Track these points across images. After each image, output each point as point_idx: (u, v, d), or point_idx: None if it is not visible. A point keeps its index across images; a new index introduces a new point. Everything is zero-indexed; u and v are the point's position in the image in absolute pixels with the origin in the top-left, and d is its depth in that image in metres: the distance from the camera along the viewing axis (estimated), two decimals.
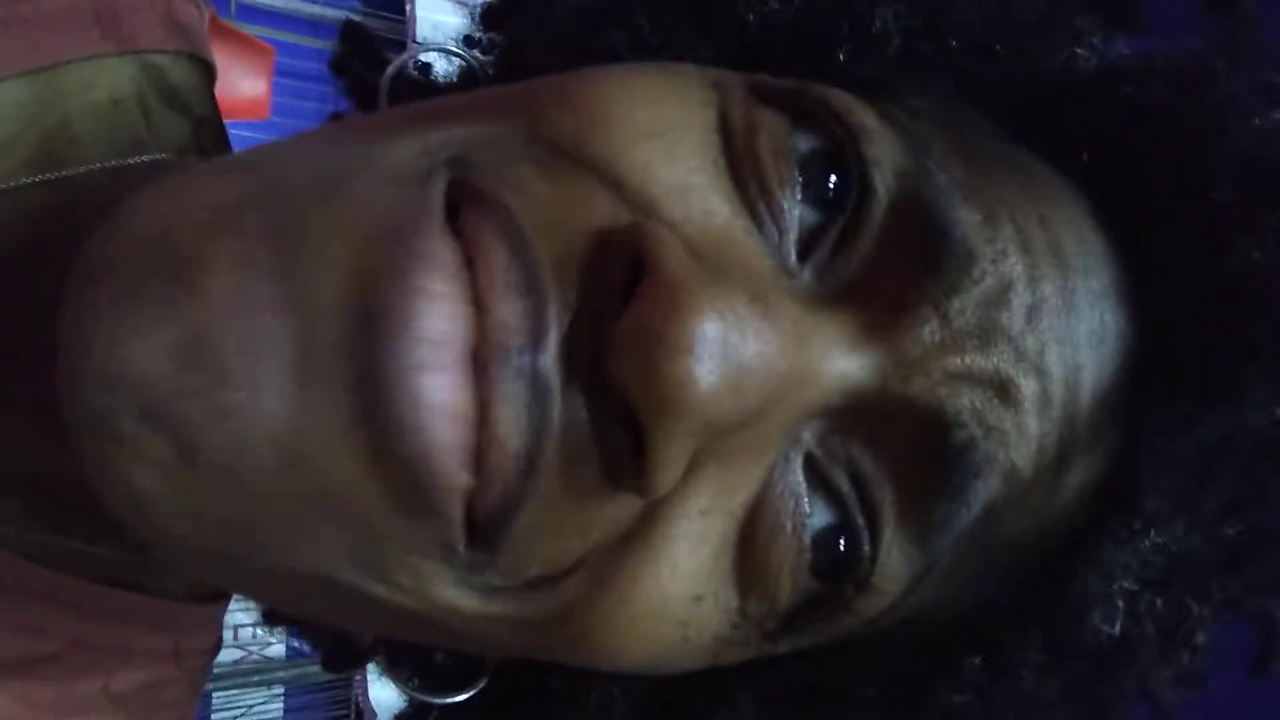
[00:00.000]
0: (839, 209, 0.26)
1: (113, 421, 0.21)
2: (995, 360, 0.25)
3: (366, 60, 0.37)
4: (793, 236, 0.25)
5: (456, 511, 0.23)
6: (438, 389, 0.21)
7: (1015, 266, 0.26)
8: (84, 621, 0.32)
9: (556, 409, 0.22)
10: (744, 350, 0.23)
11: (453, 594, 0.24)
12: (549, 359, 0.22)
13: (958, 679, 0.28)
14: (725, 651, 0.27)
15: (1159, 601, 0.28)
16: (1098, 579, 0.27)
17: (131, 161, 0.33)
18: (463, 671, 0.34)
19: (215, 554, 0.24)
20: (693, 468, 0.24)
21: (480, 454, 0.22)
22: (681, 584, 0.25)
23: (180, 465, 0.21)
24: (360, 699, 1.68)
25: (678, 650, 0.26)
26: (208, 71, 0.37)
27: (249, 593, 0.29)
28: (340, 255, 0.21)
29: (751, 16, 0.30)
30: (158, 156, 0.34)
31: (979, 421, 0.25)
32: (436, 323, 0.21)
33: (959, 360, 0.25)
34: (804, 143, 0.26)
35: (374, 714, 1.68)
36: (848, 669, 0.30)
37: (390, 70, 0.34)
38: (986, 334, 0.25)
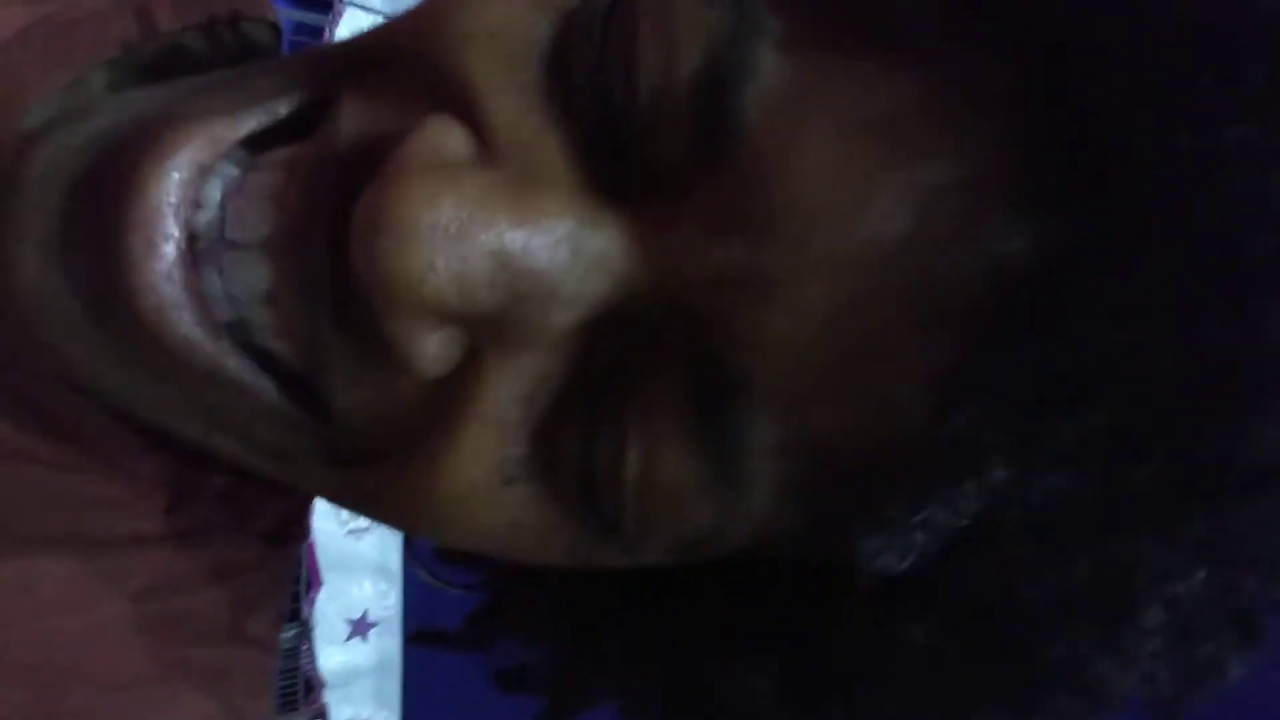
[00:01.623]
0: (635, 100, 0.25)
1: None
2: (759, 257, 0.23)
3: None
4: (596, 130, 0.25)
5: (254, 381, 0.25)
6: (167, 264, 0.24)
7: (806, 154, 0.23)
8: (207, 505, 0.35)
9: (327, 290, 0.24)
10: (469, 241, 0.23)
11: (307, 462, 0.27)
12: (318, 241, 0.24)
13: (839, 619, 0.27)
14: (578, 545, 0.27)
15: (1028, 553, 0.24)
16: (887, 538, 0.24)
17: None
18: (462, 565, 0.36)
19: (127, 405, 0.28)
20: (474, 357, 0.25)
21: (268, 329, 0.25)
22: (484, 466, 0.25)
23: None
24: (309, 669, 1.61)
25: (509, 533, 0.27)
26: (276, 31, 0.40)
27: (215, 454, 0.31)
28: (119, 159, 0.25)
29: None
30: None
31: (730, 328, 0.24)
32: (175, 195, 0.24)
33: (719, 256, 0.24)
34: (616, 33, 0.25)
35: (323, 683, 1.63)
36: (740, 593, 0.30)
37: None
38: (758, 226, 0.23)
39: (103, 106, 0.29)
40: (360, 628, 1.81)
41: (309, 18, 2.14)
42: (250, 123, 0.26)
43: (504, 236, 0.24)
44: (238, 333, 0.26)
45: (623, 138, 0.25)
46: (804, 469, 0.25)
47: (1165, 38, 0.23)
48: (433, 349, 0.24)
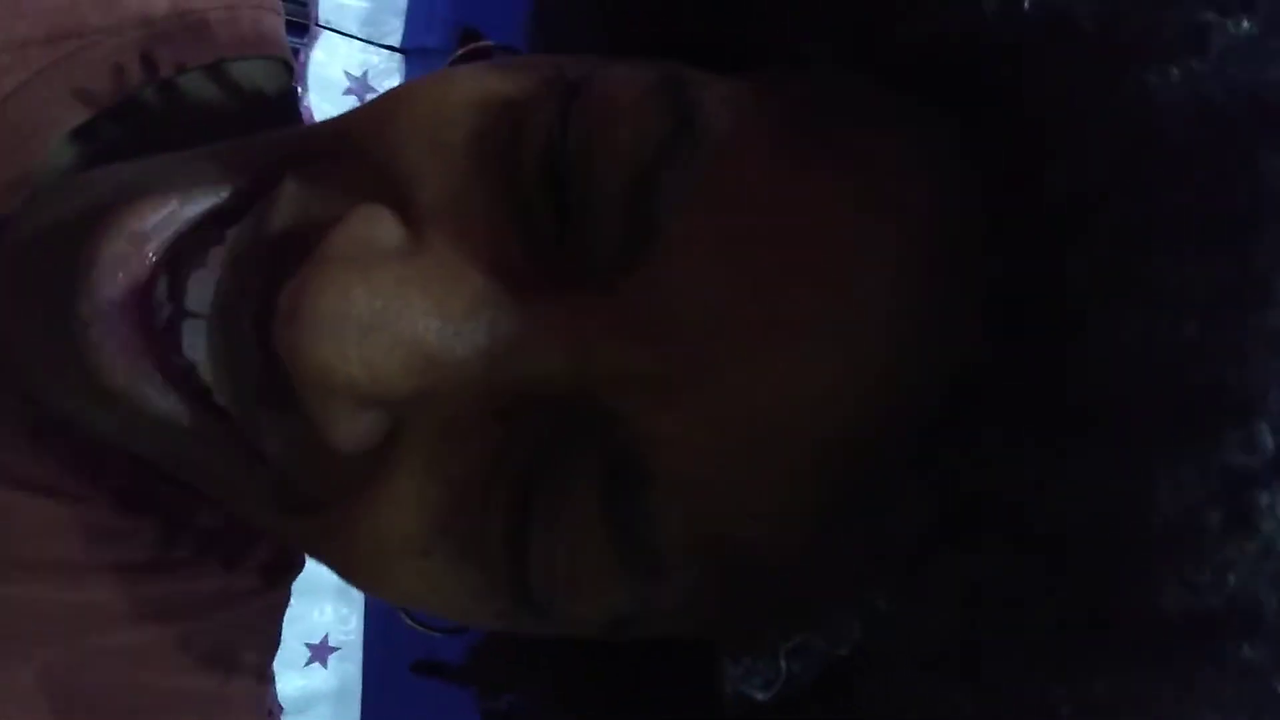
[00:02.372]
0: (572, 196, 0.25)
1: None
2: (664, 361, 0.24)
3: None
4: (544, 221, 0.26)
5: (207, 430, 0.28)
6: (111, 326, 0.27)
7: (723, 265, 0.24)
8: (207, 535, 0.38)
9: (255, 364, 0.26)
10: (382, 330, 0.24)
11: (266, 510, 0.29)
12: (247, 319, 0.26)
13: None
14: (510, 617, 0.28)
15: (919, 688, 0.23)
16: (766, 646, 0.25)
17: None
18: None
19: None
20: (398, 433, 0.26)
21: (189, 384, 0.28)
22: (399, 536, 0.27)
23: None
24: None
25: (434, 599, 0.28)
26: (289, 70, 0.44)
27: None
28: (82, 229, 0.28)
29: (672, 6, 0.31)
30: None
31: (636, 423, 0.24)
32: (128, 269, 0.27)
33: (629, 357, 0.24)
34: (570, 131, 0.25)
35: (281, 709, 1.59)
36: (658, 671, 0.32)
37: (457, 53, 0.37)
38: (657, 333, 0.24)
39: (91, 178, 0.32)
40: (320, 653, 1.79)
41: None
42: (203, 202, 0.28)
43: (417, 325, 0.24)
44: (194, 385, 0.28)
45: (560, 235, 0.26)
46: (712, 568, 0.26)
47: (1082, 167, 0.22)
48: (349, 429, 0.26)
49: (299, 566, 0.43)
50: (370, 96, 2.17)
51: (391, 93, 0.29)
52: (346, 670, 1.81)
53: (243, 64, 0.41)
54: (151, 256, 0.27)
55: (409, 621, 0.38)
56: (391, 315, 0.24)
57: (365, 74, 1.97)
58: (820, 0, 0.27)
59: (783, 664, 0.24)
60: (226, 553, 0.39)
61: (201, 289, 0.27)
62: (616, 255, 0.25)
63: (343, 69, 1.95)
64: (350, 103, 2.06)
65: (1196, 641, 0.22)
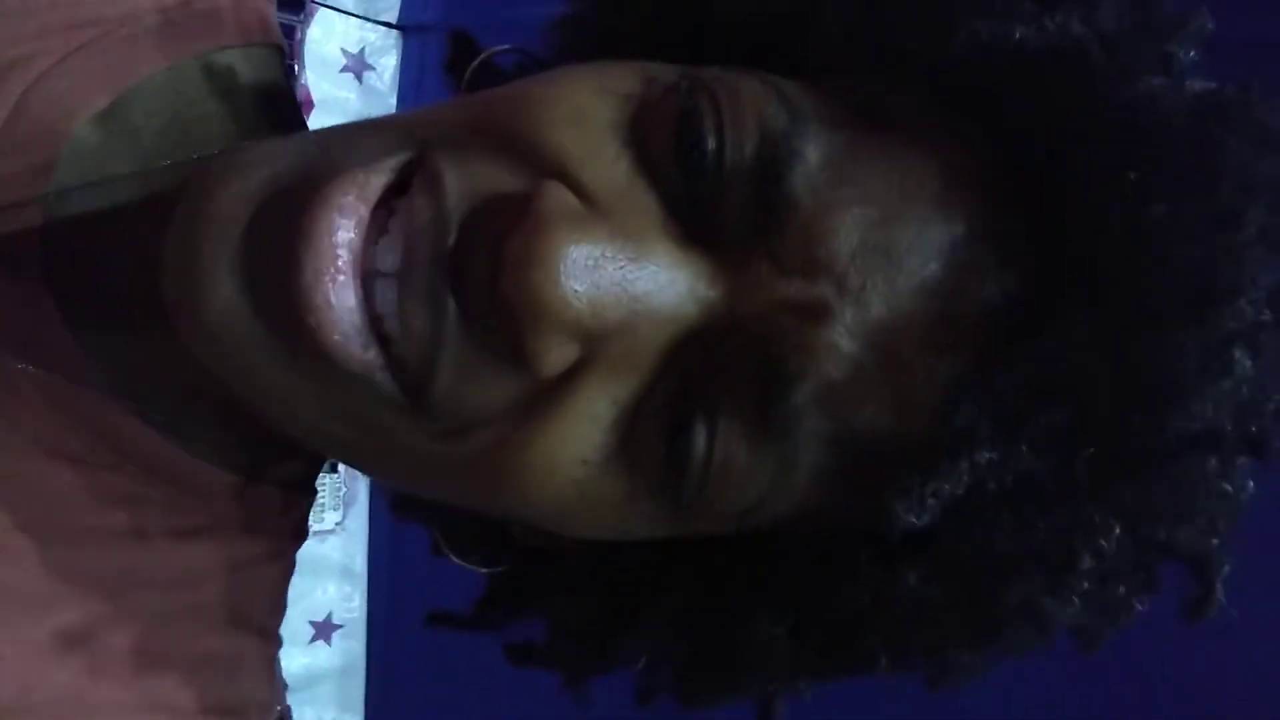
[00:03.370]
0: (710, 171, 0.31)
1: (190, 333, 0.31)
2: (815, 291, 0.31)
3: (471, 59, 0.44)
4: (678, 190, 0.32)
5: (380, 376, 0.31)
6: (329, 296, 0.29)
7: (843, 216, 0.31)
8: (225, 500, 0.40)
9: (452, 306, 0.30)
10: (605, 274, 0.29)
11: (410, 438, 0.32)
12: (441, 271, 0.30)
13: (854, 574, 0.34)
14: (631, 519, 0.34)
15: (1003, 516, 0.32)
16: (909, 501, 0.31)
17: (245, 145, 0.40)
18: (491, 554, 0.44)
19: (257, 409, 0.33)
20: (582, 363, 0.31)
21: (384, 334, 0.30)
22: (568, 451, 0.32)
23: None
24: None
25: (577, 505, 0.33)
26: (282, 54, 0.46)
27: (317, 446, 0.38)
28: (290, 201, 0.30)
29: (715, 18, 0.37)
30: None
31: (792, 340, 0.31)
32: (332, 238, 0.29)
33: (783, 290, 0.31)
34: (691, 115, 0.32)
35: (285, 685, 1.61)
36: (766, 559, 0.37)
37: (473, 65, 0.43)
38: (810, 269, 0.31)
39: (259, 148, 0.34)
40: (324, 630, 1.80)
41: (281, 18, 2.11)
42: (385, 175, 0.31)
43: (624, 270, 0.30)
44: (382, 342, 0.31)
45: (697, 201, 0.32)
46: (837, 450, 0.32)
47: (1107, 140, 0.31)
48: (557, 357, 0.30)
49: (306, 534, 0.45)
50: (367, 74, 2.15)
51: (525, 90, 0.33)
52: (350, 648, 1.82)
53: (248, 50, 0.43)
54: (357, 226, 0.30)
55: (453, 558, 0.43)
56: (608, 261, 0.30)
57: (362, 50, 1.96)
58: (868, 25, 0.34)
59: (929, 503, 0.31)
60: (247, 519, 0.41)
61: (387, 253, 0.31)
62: (752, 219, 0.31)
63: (339, 46, 1.95)
64: (347, 80, 2.04)
65: (1185, 458, 0.32)
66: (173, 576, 0.39)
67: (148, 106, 0.40)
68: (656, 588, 0.39)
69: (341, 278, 0.29)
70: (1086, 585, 0.33)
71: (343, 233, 0.29)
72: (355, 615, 1.86)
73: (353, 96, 2.04)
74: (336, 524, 1.82)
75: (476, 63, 0.43)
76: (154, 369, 0.39)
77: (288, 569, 0.44)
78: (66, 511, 0.37)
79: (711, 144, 0.31)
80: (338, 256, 0.29)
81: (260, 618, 0.42)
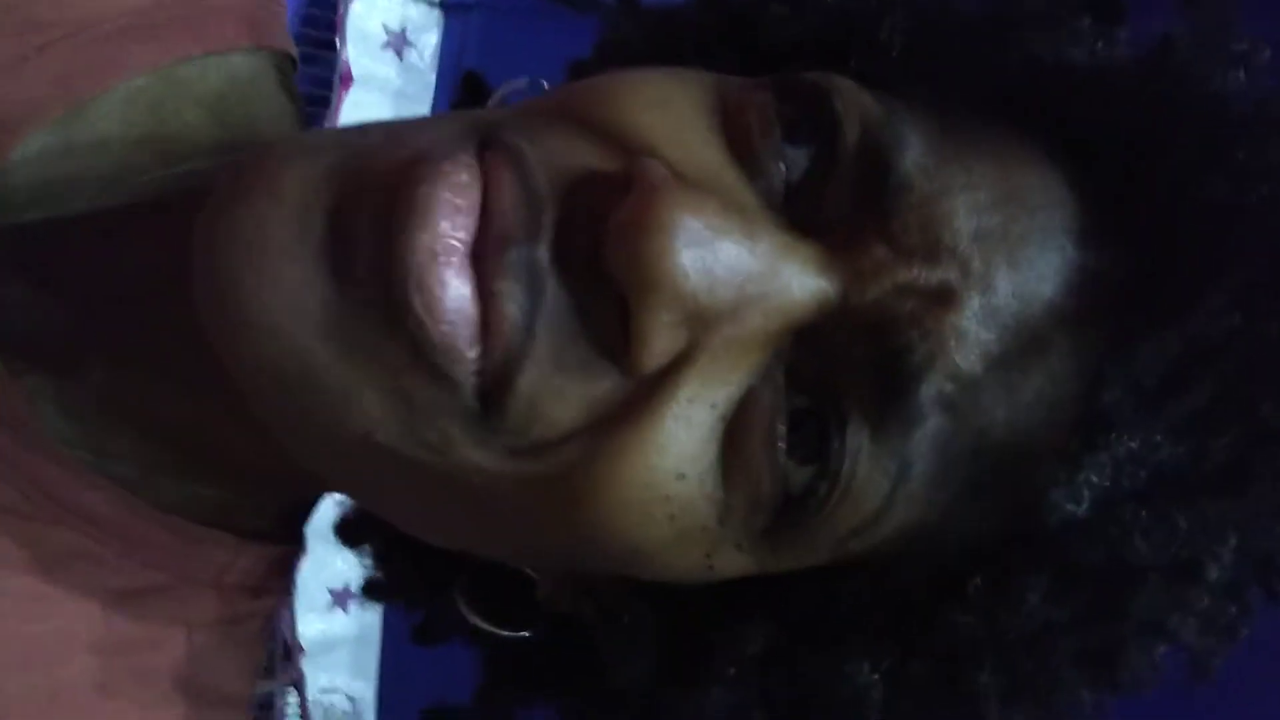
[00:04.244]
0: (815, 156, 0.30)
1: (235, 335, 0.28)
2: (939, 274, 0.29)
3: (481, 102, 0.41)
4: (776, 181, 0.30)
5: (467, 377, 0.27)
6: (444, 277, 0.26)
7: (958, 198, 0.30)
8: (187, 557, 0.36)
9: (550, 289, 0.27)
10: (720, 248, 0.27)
11: (472, 452, 0.28)
12: (542, 251, 0.27)
13: (962, 601, 0.31)
14: (719, 551, 0.31)
15: (1143, 514, 0.30)
16: (1068, 490, 0.30)
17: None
18: (522, 616, 0.38)
19: (293, 413, 0.30)
20: (682, 359, 0.28)
21: (485, 326, 0.27)
22: (666, 460, 0.28)
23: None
24: (288, 636, 1.63)
25: (665, 531, 0.29)
26: (291, 63, 0.44)
27: (318, 463, 0.33)
28: (382, 181, 0.27)
29: (773, 33, 0.36)
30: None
31: (918, 326, 0.29)
32: (448, 220, 0.26)
33: (904, 274, 0.29)
34: (786, 109, 0.30)
35: (302, 649, 1.64)
36: (856, 594, 0.33)
37: (493, 100, 0.40)
38: (931, 252, 0.29)
39: (314, 137, 0.32)
40: (341, 598, 1.82)
41: None
42: (468, 159, 0.28)
43: (740, 246, 0.28)
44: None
45: (802, 189, 0.30)
46: (961, 457, 0.30)
47: (1203, 133, 0.31)
48: (666, 341, 0.28)
49: (288, 588, 0.42)
50: (408, 51, 2.16)
51: (603, 80, 0.32)
52: (366, 617, 1.85)
53: (235, 57, 0.41)
54: (472, 211, 0.27)
55: (477, 620, 0.38)
56: (724, 235, 0.27)
57: (404, 29, 1.97)
58: (923, 47, 0.34)
59: (1084, 492, 0.30)
60: (210, 577, 0.37)
61: (467, 239, 0.27)
62: (860, 205, 0.30)
63: (381, 22, 1.96)
64: (389, 57, 2.05)
65: (1230, 489, 0.31)
66: (120, 641, 0.35)
67: (119, 115, 0.37)
68: (732, 632, 0.34)
69: (456, 262, 0.27)
70: (1207, 600, 0.31)
71: (462, 216, 0.27)
72: None
73: (393, 73, 2.05)
74: None
75: (496, 98, 0.40)
76: (115, 412, 0.35)
77: (264, 626, 0.41)
78: (1, 569, 0.34)
79: (830, 131, 0.30)
80: (454, 240, 0.27)
81: (226, 684, 0.39)
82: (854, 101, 0.30)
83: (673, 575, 0.32)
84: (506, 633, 0.38)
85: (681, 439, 0.28)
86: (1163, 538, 0.30)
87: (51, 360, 0.35)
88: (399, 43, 2.07)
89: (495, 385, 0.28)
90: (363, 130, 0.32)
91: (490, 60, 1.94)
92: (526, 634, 0.38)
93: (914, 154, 0.30)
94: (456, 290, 0.27)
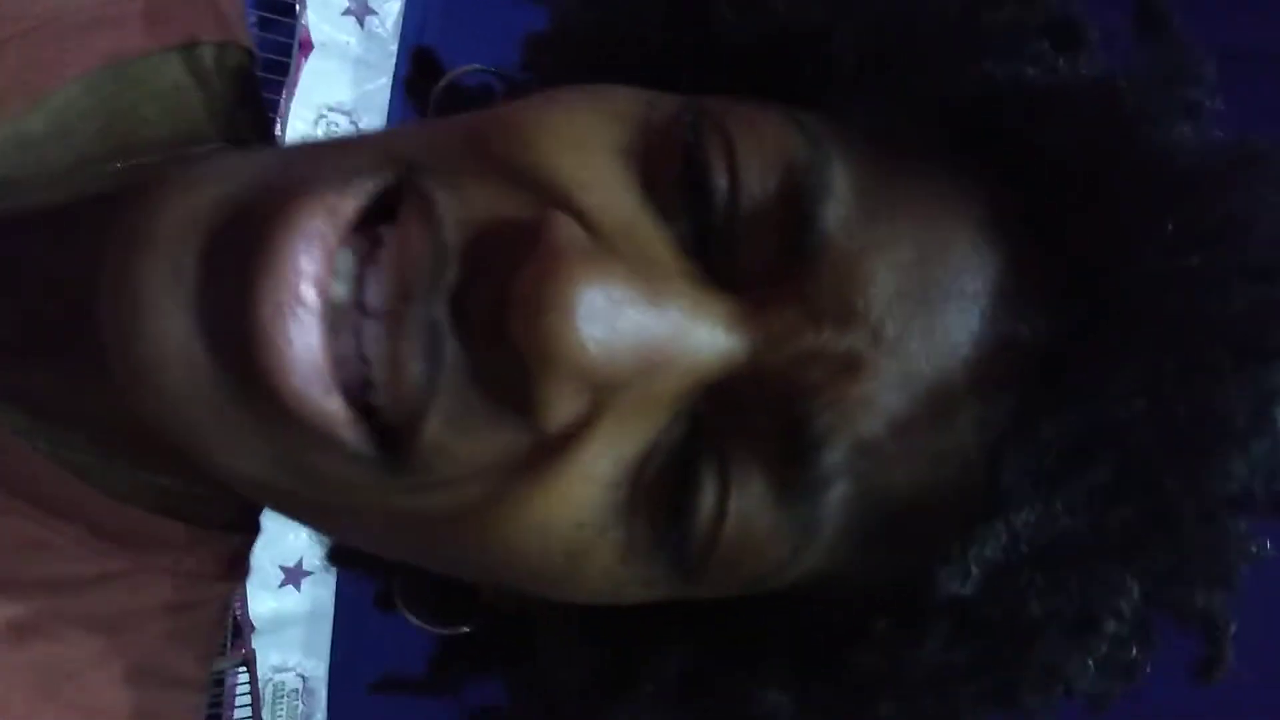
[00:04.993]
0: (722, 208, 0.29)
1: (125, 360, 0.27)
2: (849, 341, 0.28)
3: (433, 80, 0.40)
4: (690, 225, 0.29)
5: (346, 430, 0.27)
6: (295, 328, 0.26)
7: (878, 258, 0.29)
8: (143, 545, 0.37)
9: (450, 347, 0.27)
10: (622, 317, 0.27)
11: (374, 493, 0.29)
12: (442, 307, 0.27)
13: (868, 639, 0.31)
14: (625, 585, 0.31)
15: (1037, 578, 0.30)
16: (957, 568, 0.29)
17: (196, 149, 0.38)
18: (455, 611, 0.39)
19: (195, 458, 0.29)
20: (587, 419, 0.28)
21: (378, 382, 0.27)
22: (566, 512, 0.28)
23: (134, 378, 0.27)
24: (239, 613, 1.61)
25: (567, 571, 0.30)
26: (250, 57, 0.43)
27: (253, 496, 0.34)
28: (256, 217, 0.26)
29: (721, 44, 0.34)
30: (214, 145, 0.39)
31: (822, 395, 0.28)
32: (306, 266, 0.26)
33: (814, 340, 0.28)
34: (697, 150, 0.29)
35: (253, 627, 1.62)
36: (773, 624, 0.34)
37: (440, 84, 0.39)
38: (843, 317, 0.28)
39: (214, 163, 0.31)
40: (294, 576, 1.80)
41: None
42: (360, 197, 0.28)
43: (643, 314, 0.27)
44: (349, 390, 0.27)
45: (716, 236, 0.29)
46: (866, 514, 0.30)
47: (1141, 185, 0.30)
48: (566, 408, 0.27)
49: (245, 574, 0.42)
50: (370, 18, 2.12)
51: (521, 113, 0.31)
52: (319, 594, 1.83)
53: (196, 50, 0.40)
54: (324, 255, 0.27)
55: (411, 618, 0.39)
56: (626, 304, 0.27)
57: None
58: (880, 58, 0.32)
59: (973, 569, 0.29)
60: (169, 562, 0.38)
61: (376, 288, 0.27)
62: (777, 258, 0.29)
63: None
64: (350, 24, 2.01)
65: (1218, 520, 0.30)
66: (75, 626, 0.35)
67: (75, 109, 0.37)
68: (654, 651, 0.35)
69: (303, 313, 0.26)
70: (1105, 648, 0.31)
71: (308, 262, 0.26)
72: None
73: (353, 40, 2.01)
74: None
75: (443, 83, 0.39)
76: (69, 402, 0.35)
77: (220, 612, 0.41)
78: None
79: (723, 183, 0.29)
80: (300, 289, 0.26)
81: (182, 668, 0.39)
82: (776, 143, 0.29)
83: (582, 600, 0.33)
84: (445, 630, 0.40)
85: (582, 493, 0.29)
86: (1057, 600, 0.30)
87: (4, 353, 0.35)
88: (361, 9, 2.03)
89: (399, 432, 0.28)
90: (265, 155, 0.31)
91: (454, 27, 1.91)
92: (465, 629, 0.40)
93: (836, 206, 0.29)
94: (304, 343, 0.26)
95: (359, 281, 0.27)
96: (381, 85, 2.02)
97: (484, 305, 0.27)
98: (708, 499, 0.29)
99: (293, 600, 1.79)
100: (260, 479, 0.29)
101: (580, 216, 0.28)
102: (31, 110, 0.36)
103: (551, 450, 0.28)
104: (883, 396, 0.29)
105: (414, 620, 0.39)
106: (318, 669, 1.89)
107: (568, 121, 0.30)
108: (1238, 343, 0.28)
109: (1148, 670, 0.33)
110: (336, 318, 0.27)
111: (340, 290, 0.27)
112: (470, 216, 0.28)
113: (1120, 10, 0.33)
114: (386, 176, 0.28)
